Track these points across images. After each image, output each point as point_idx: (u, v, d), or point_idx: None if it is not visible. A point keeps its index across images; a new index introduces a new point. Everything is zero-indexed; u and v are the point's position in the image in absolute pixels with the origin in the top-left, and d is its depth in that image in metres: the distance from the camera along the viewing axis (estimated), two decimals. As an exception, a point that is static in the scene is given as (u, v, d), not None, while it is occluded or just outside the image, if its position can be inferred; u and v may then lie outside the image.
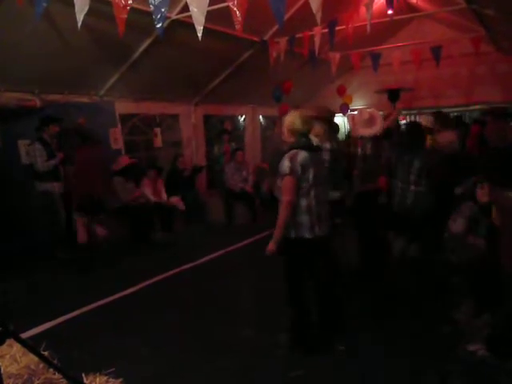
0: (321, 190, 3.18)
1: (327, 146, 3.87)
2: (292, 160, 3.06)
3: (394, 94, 8.88)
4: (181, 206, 7.11)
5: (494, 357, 2.96)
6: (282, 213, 3.08)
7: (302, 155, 3.08)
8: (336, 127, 4.14)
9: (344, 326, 3.44)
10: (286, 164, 3.07)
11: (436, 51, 6.94)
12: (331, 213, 3.34)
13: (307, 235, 3.11)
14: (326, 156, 3.85)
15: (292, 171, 3.04)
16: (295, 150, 3.12)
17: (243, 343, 3.42)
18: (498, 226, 3.40)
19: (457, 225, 3.71)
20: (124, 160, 6.62)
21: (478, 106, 9.03)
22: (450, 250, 4.30)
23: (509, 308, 3.09)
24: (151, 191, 6.89)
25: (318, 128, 3.83)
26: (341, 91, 9.70)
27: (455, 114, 8.71)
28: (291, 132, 3.22)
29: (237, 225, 7.49)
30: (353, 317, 3.80)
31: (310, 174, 3.08)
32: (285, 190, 3.09)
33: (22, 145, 5.66)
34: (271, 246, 3.12)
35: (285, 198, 3.08)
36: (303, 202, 3.10)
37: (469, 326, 3.29)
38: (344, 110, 9.74)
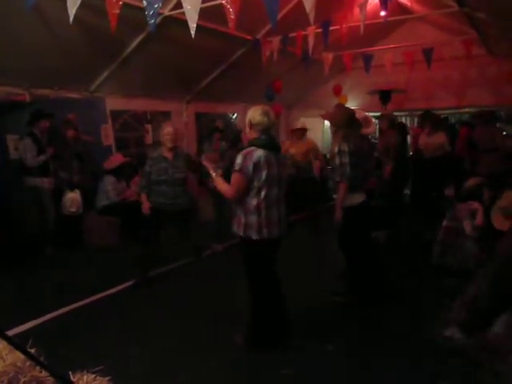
0: (274, 191, 3.11)
1: (341, 147, 3.86)
2: (245, 158, 3.01)
3: (385, 96, 8.94)
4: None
5: (467, 338, 2.96)
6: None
7: (257, 154, 3.02)
8: (358, 128, 4.11)
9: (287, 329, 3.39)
10: (238, 161, 3.03)
11: (427, 53, 6.98)
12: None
13: (254, 236, 3.07)
14: (337, 158, 3.88)
15: (242, 169, 2.99)
16: (252, 148, 3.06)
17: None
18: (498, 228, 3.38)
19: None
20: (117, 158, 6.50)
21: (468, 109, 9.11)
22: (440, 253, 4.33)
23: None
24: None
25: (332, 129, 4.15)
26: (336, 91, 9.67)
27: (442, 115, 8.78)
28: (251, 127, 3.15)
29: (227, 223, 7.44)
30: (341, 318, 3.83)
31: (263, 174, 3.01)
32: (231, 184, 3.06)
33: (11, 140, 5.58)
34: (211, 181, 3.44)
35: (229, 191, 3.06)
36: (253, 202, 3.05)
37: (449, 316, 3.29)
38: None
